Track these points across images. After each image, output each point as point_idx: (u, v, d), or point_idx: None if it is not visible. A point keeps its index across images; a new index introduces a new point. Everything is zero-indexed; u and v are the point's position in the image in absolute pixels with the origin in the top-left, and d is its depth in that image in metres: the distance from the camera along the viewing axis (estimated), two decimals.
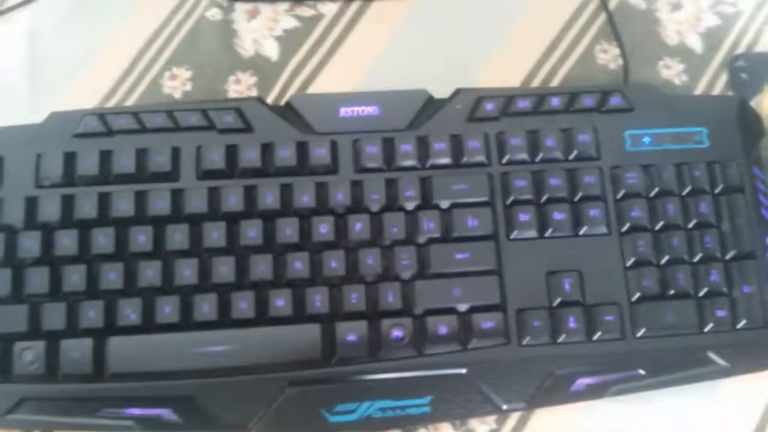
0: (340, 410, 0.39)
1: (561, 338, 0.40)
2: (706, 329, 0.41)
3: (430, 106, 0.44)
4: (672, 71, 0.49)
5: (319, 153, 0.42)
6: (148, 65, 0.48)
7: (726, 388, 0.42)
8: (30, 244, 0.40)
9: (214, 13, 0.49)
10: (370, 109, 0.43)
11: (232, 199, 0.41)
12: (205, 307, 0.40)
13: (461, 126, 0.44)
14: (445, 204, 0.42)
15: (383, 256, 0.41)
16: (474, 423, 0.42)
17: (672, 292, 0.41)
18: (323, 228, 0.41)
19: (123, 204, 0.41)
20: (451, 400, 0.40)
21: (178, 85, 0.48)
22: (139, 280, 0.40)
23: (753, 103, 0.46)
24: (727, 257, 0.42)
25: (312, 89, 0.48)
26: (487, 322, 0.40)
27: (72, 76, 0.47)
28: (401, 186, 0.42)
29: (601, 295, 0.41)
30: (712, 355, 0.41)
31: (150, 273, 0.40)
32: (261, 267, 0.40)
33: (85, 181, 0.42)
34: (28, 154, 0.42)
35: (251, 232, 0.41)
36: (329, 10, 0.49)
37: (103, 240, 0.41)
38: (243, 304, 0.40)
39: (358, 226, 0.41)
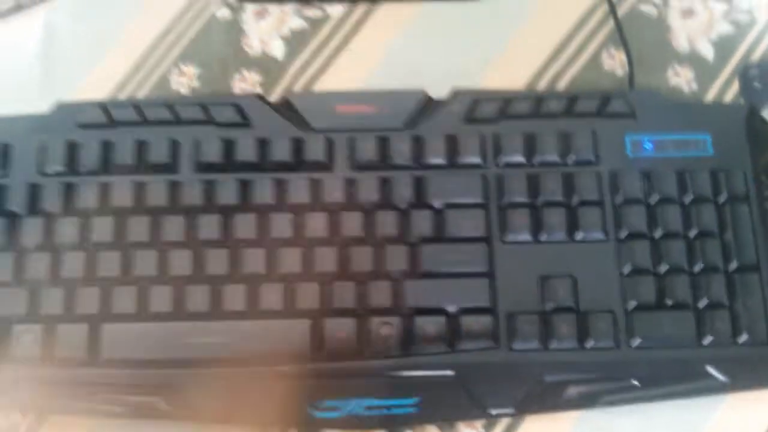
0: (325, 406, 0.39)
1: (552, 344, 0.39)
2: (705, 342, 0.39)
3: (427, 106, 0.44)
4: (681, 79, 0.48)
5: (315, 150, 0.42)
6: (157, 61, 0.49)
7: (727, 404, 0.41)
8: (32, 230, 0.41)
9: (224, 13, 0.50)
10: (367, 108, 0.43)
11: (228, 192, 0.42)
12: (198, 298, 0.40)
13: (458, 127, 0.43)
14: (438, 204, 0.42)
15: (375, 254, 0.41)
16: (461, 427, 0.41)
17: (670, 302, 0.40)
18: (316, 224, 0.41)
19: (122, 194, 0.42)
20: (438, 402, 0.39)
21: (186, 81, 0.49)
22: (135, 269, 0.41)
23: (765, 113, 0.45)
24: (730, 269, 0.40)
25: (315, 89, 0.48)
26: (476, 324, 0.39)
27: (84, 69, 0.48)
28: (395, 185, 0.42)
29: (596, 302, 0.40)
30: (710, 369, 0.39)
31: (145, 263, 0.41)
32: (253, 261, 0.41)
33: (87, 170, 0.42)
34: (34, 142, 0.43)
35: (245, 225, 0.41)
36: (336, 11, 0.49)
37: (101, 229, 0.41)
38: (235, 296, 0.40)
39: (351, 224, 0.41)
